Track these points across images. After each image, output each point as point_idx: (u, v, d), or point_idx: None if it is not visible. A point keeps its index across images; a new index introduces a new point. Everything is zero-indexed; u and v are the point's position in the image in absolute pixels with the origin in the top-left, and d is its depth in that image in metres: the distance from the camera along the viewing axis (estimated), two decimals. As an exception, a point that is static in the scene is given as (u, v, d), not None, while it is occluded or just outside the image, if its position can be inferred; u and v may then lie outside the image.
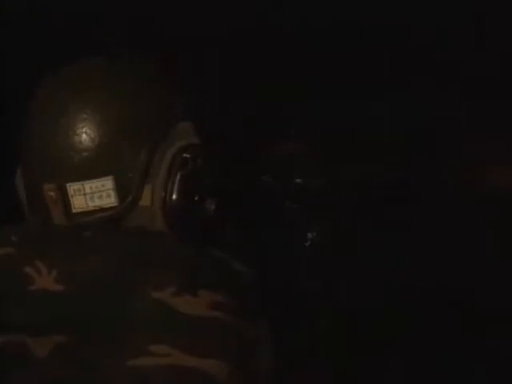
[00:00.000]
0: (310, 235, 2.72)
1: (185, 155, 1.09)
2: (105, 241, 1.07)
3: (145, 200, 1.09)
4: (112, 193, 1.08)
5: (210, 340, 1.00)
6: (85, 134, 1.09)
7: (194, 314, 1.00)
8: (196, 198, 1.10)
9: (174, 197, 1.08)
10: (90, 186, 1.08)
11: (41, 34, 3.05)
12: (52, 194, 1.10)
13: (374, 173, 3.25)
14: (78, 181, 1.09)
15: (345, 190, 3.19)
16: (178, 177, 1.08)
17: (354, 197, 3.21)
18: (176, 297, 1.01)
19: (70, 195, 1.10)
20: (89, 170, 1.09)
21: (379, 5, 3.05)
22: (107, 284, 1.03)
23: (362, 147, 3.24)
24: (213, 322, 1.01)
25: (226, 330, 1.01)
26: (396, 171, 3.27)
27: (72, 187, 1.09)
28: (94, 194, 1.09)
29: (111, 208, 1.08)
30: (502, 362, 2.96)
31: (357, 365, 3.02)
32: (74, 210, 1.10)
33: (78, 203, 1.09)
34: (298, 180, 2.73)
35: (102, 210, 1.09)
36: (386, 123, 3.24)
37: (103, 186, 1.08)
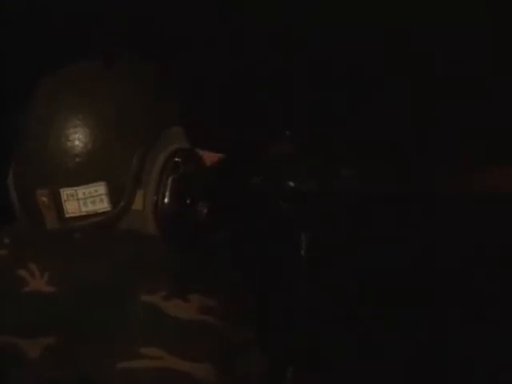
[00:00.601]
0: (303, 236, 2.71)
1: (176, 159, 1.09)
2: (97, 244, 1.07)
3: (137, 204, 1.09)
4: (105, 198, 1.08)
5: (199, 344, 1.00)
6: (77, 140, 1.09)
7: (185, 318, 1.01)
8: (188, 202, 1.10)
9: (165, 201, 1.08)
10: (83, 191, 1.08)
11: (41, 34, 3.05)
12: (45, 199, 1.10)
13: (372, 174, 3.25)
14: (71, 186, 1.09)
15: (342, 190, 3.19)
16: (170, 181, 1.09)
17: (350, 197, 3.21)
18: (167, 301, 1.01)
19: (63, 200, 1.09)
20: (82, 175, 1.09)
21: None
22: (99, 286, 1.03)
23: (359, 148, 3.24)
24: (202, 326, 1.01)
25: (215, 334, 1.01)
26: (395, 173, 3.26)
27: (65, 192, 1.09)
28: (87, 199, 1.09)
29: (104, 213, 1.08)
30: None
31: (356, 364, 3.02)
32: (67, 215, 1.10)
33: (71, 208, 1.09)
34: (291, 182, 2.72)
35: (94, 214, 1.09)
36: (385, 124, 3.24)
37: (96, 191, 1.08)
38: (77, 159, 1.11)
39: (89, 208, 1.10)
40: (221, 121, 2.95)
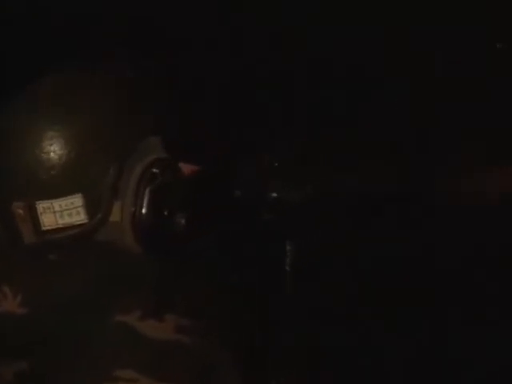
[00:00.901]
0: (288, 247, 2.69)
1: (153, 170, 1.09)
2: (71, 263, 1.07)
3: (114, 216, 1.08)
4: (81, 210, 1.08)
5: (174, 365, 1.00)
6: (53, 152, 1.08)
7: (160, 339, 1.00)
8: (166, 213, 1.09)
9: (143, 212, 1.08)
10: (59, 203, 1.08)
11: (41, 34, 3.05)
12: (21, 212, 1.10)
13: (372, 174, 3.25)
14: (48, 199, 1.09)
15: (341, 190, 3.18)
16: (147, 192, 1.08)
17: (350, 197, 3.20)
18: (142, 321, 1.00)
19: (39, 213, 1.09)
20: (58, 187, 1.08)
21: None
22: (72, 308, 1.03)
23: (359, 148, 3.23)
24: (178, 347, 1.00)
25: (190, 354, 1.01)
26: (395, 173, 3.26)
27: (41, 205, 1.09)
28: (63, 212, 1.09)
29: (81, 225, 1.08)
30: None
31: (356, 364, 3.02)
32: (43, 228, 1.09)
33: (48, 221, 1.09)
34: (274, 194, 2.70)
35: (71, 227, 1.08)
36: (385, 124, 3.23)
37: (72, 203, 1.08)
38: (52, 171, 1.10)
39: (65, 220, 1.10)
40: (221, 121, 2.95)
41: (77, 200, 1.09)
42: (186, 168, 1.13)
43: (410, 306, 3.10)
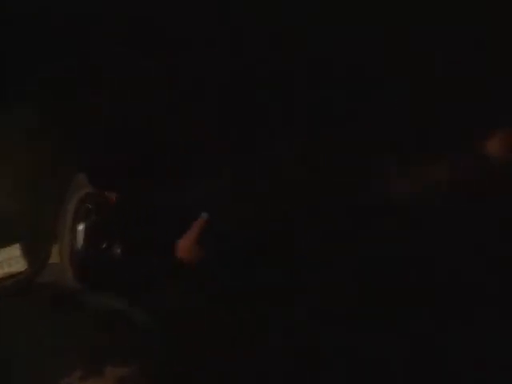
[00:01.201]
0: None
1: (88, 205, 1.10)
2: (10, 318, 1.07)
3: (54, 258, 1.09)
4: (20, 259, 1.09)
5: None
6: None
7: None
8: (104, 246, 1.10)
9: (81, 250, 1.09)
10: None
11: (41, 34, 3.05)
12: None
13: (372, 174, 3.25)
14: None
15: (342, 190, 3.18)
16: (83, 228, 1.09)
17: (351, 198, 3.20)
18: (83, 381, 1.01)
19: None
20: None
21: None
22: (16, 372, 1.03)
23: (359, 148, 3.24)
24: None
25: None
26: (395, 173, 3.26)
27: None
28: (2, 263, 1.10)
29: (21, 273, 1.09)
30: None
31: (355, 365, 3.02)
32: None
33: None
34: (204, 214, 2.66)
35: (11, 276, 1.09)
36: (385, 124, 3.24)
37: (10, 254, 1.09)
38: None
39: (5, 271, 1.11)
40: (221, 121, 2.95)
41: (15, 251, 1.10)
42: (111, 196, 1.14)
43: (410, 306, 3.10)
